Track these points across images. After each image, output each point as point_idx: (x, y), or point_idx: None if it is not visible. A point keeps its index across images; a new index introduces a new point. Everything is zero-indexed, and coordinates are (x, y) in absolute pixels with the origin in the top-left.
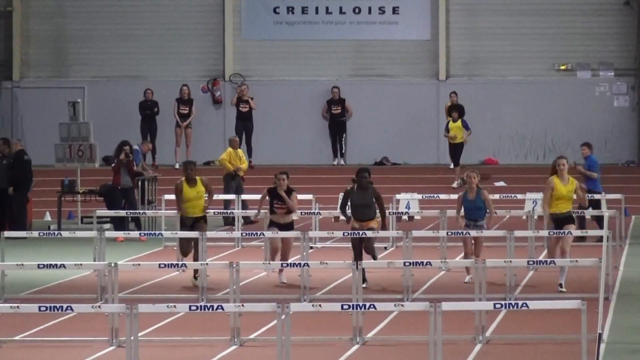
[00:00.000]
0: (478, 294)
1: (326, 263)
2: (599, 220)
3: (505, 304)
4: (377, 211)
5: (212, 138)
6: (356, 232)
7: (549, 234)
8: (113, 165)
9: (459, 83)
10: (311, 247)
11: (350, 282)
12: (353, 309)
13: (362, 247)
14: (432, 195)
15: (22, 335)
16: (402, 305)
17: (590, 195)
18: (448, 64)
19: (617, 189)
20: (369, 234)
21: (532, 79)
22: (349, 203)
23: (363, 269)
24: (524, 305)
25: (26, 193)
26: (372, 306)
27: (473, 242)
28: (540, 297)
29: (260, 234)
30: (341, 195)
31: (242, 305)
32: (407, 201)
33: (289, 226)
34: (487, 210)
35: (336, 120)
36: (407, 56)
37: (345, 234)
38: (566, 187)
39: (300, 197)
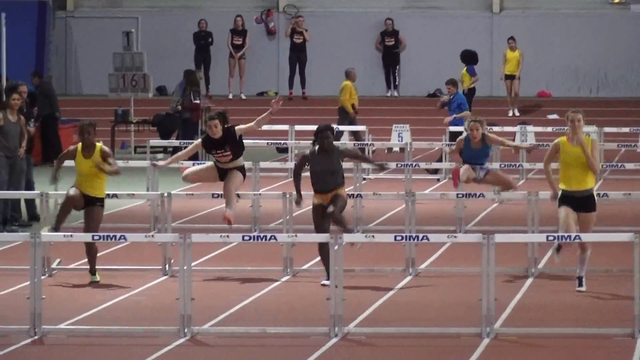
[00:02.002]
0: (530, 227)
1: (379, 194)
2: None
3: (558, 236)
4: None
5: (266, 69)
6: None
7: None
8: (190, 103)
9: (513, 16)
10: (364, 179)
11: (403, 213)
12: (406, 240)
13: (326, 224)
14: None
15: (76, 264)
16: (455, 237)
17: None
18: None
19: None
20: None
21: (585, 12)
22: (305, 172)
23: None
24: (577, 237)
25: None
26: (425, 237)
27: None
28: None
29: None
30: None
31: (295, 236)
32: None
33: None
34: (513, 149)
35: (390, 52)
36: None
37: (399, 165)
38: (576, 149)
39: (353, 128)
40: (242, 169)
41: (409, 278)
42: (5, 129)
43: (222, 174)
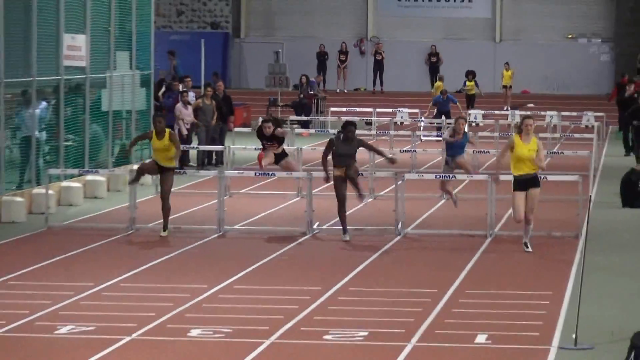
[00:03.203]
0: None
1: (425, 151)
2: None
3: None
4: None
5: (359, 75)
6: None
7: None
8: (307, 94)
9: (508, 44)
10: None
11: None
12: (444, 177)
13: (345, 190)
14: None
15: (245, 189)
16: (472, 177)
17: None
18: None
19: (600, 109)
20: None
21: (552, 42)
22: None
23: (343, 218)
24: (544, 177)
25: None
26: (453, 177)
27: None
28: (550, 173)
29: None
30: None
31: (374, 173)
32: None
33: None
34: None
35: (433, 65)
36: (475, 27)
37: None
38: (527, 147)
39: (407, 111)
40: (284, 152)
41: (442, 201)
42: (204, 109)
43: (277, 157)
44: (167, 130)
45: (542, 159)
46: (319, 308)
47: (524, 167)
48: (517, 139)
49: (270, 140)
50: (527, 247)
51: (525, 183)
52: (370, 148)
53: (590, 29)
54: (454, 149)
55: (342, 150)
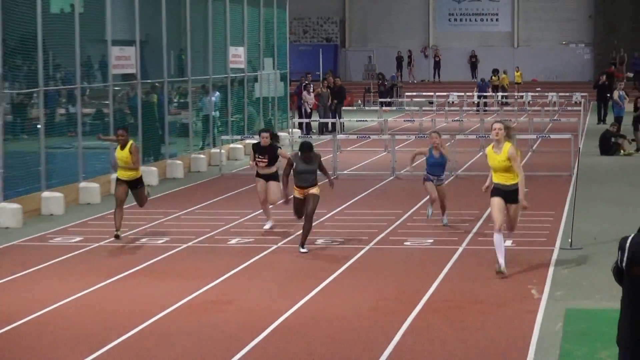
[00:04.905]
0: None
1: (469, 120)
2: None
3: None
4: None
5: (423, 70)
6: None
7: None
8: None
9: (523, 49)
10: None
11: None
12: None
13: (303, 211)
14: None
15: (350, 147)
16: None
17: None
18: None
19: (585, 91)
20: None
21: (550, 46)
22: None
23: (306, 233)
24: (548, 136)
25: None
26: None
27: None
28: (551, 133)
29: None
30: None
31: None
32: None
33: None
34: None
35: (473, 64)
36: (500, 37)
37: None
38: (498, 157)
39: (456, 94)
40: (275, 175)
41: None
42: (321, 94)
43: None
44: (130, 142)
45: (518, 170)
46: (401, 225)
47: (500, 177)
48: (489, 150)
49: (263, 154)
50: (502, 270)
51: (504, 194)
52: (322, 168)
53: (577, 37)
54: (433, 167)
55: (303, 167)
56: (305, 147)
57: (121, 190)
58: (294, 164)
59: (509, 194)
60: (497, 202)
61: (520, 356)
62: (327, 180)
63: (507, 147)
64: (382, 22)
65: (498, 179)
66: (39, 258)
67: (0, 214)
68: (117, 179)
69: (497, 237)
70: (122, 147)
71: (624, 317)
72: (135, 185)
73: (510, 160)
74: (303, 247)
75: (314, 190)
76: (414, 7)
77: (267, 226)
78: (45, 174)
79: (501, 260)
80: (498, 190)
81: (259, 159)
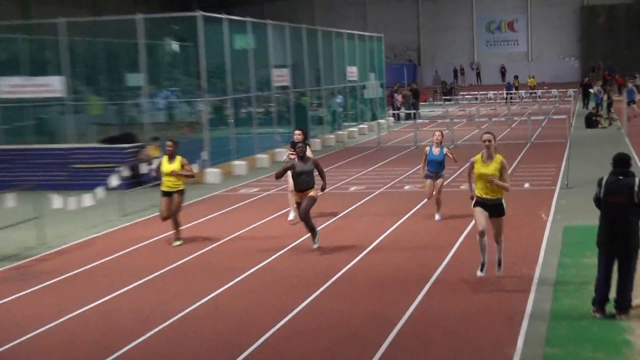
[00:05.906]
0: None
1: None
2: None
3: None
4: (315, 181)
5: (471, 78)
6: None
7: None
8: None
9: (535, 61)
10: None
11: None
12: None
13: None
14: None
15: (426, 127)
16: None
17: None
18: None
19: (574, 88)
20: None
21: (554, 58)
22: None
23: (315, 231)
24: (552, 117)
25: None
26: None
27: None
28: (552, 115)
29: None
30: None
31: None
32: None
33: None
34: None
35: (503, 74)
36: (519, 55)
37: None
38: (488, 167)
39: (492, 92)
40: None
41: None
42: (406, 95)
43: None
44: (178, 157)
45: (506, 180)
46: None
47: (485, 188)
48: (478, 159)
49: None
50: (499, 270)
51: (487, 208)
52: (319, 171)
53: (570, 52)
54: (431, 164)
55: (300, 169)
56: (294, 145)
57: (166, 203)
58: (294, 167)
59: (492, 208)
60: (480, 209)
61: (534, 256)
62: (323, 183)
63: (500, 157)
64: (443, 48)
65: (482, 191)
66: (232, 202)
67: (209, 175)
68: (162, 192)
69: (481, 240)
70: (170, 159)
71: (601, 228)
72: (176, 192)
73: (502, 169)
74: (314, 244)
75: (311, 193)
76: (464, 38)
77: (291, 217)
78: (235, 150)
79: (485, 259)
80: (482, 204)
81: (292, 152)
